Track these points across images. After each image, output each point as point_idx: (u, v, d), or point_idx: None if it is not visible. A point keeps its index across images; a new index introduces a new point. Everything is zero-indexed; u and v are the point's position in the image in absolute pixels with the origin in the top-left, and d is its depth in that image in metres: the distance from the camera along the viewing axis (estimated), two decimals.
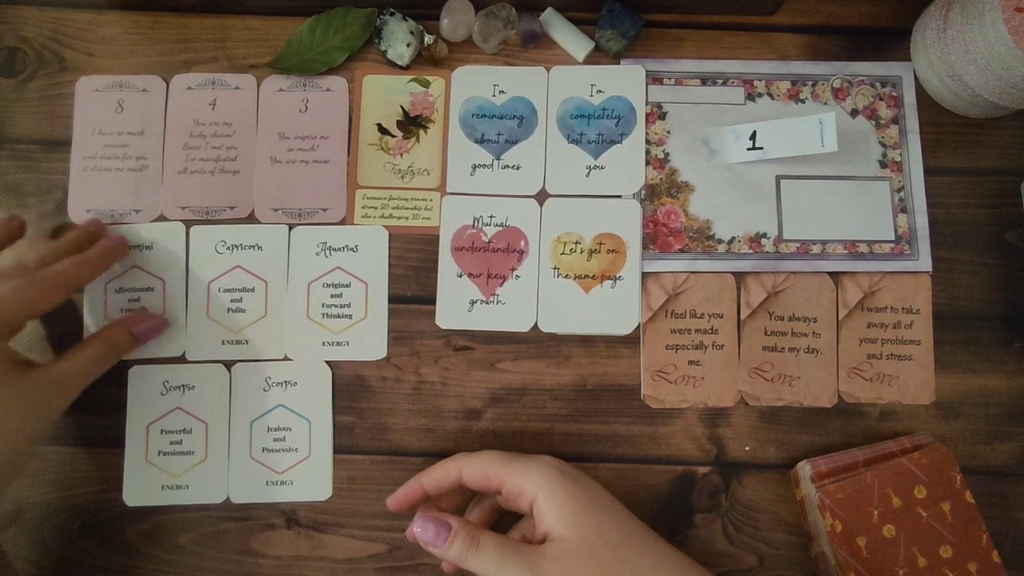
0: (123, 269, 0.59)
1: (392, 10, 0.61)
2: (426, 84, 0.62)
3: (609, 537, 0.46)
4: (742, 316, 0.60)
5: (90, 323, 0.58)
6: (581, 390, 0.59)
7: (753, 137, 0.60)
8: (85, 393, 0.58)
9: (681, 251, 0.60)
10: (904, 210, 0.61)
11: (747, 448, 0.58)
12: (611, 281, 0.60)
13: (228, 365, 0.58)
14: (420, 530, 0.47)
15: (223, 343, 0.59)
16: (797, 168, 0.61)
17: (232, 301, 0.59)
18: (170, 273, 0.59)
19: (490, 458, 0.50)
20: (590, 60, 0.62)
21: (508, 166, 0.61)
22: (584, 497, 0.47)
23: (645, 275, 0.60)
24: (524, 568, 0.44)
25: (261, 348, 0.59)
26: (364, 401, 0.58)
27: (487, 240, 0.60)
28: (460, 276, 0.60)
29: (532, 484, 0.47)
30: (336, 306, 0.59)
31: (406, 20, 0.61)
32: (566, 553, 0.45)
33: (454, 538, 0.46)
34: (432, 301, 0.59)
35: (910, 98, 0.62)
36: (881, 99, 0.62)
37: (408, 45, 0.60)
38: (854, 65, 0.62)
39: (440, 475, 0.51)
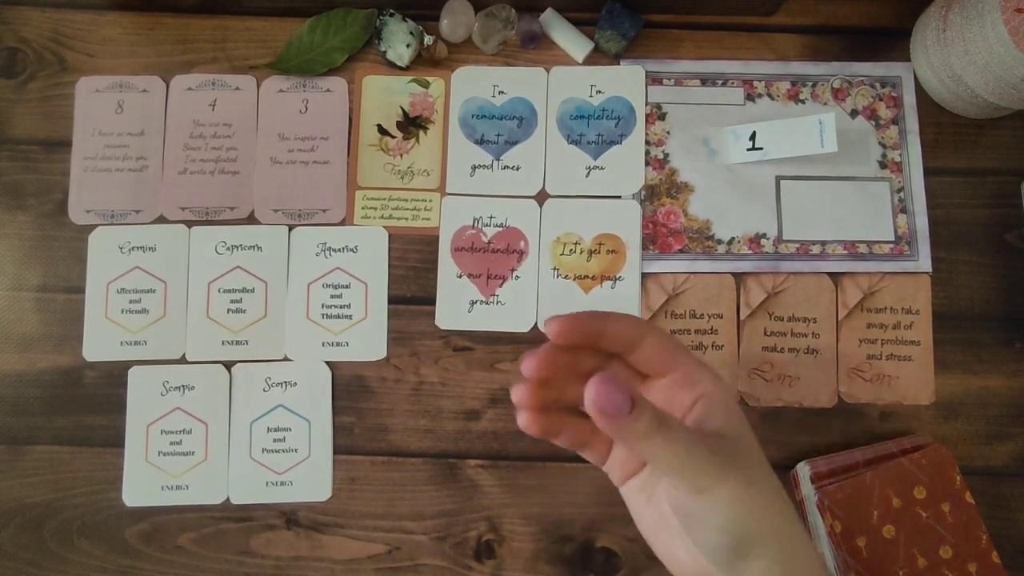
0: (126, 270, 0.59)
1: (392, 11, 0.61)
2: (426, 85, 0.62)
3: (755, 443, 0.42)
4: (742, 317, 0.60)
5: (90, 324, 0.58)
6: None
7: (753, 138, 0.60)
8: (86, 393, 0.58)
9: (681, 252, 0.60)
10: (904, 211, 0.61)
11: None
12: (611, 281, 0.60)
13: (228, 365, 0.58)
14: (605, 393, 0.36)
15: (223, 343, 0.59)
16: (797, 168, 0.61)
17: (232, 302, 0.59)
18: (172, 275, 0.59)
19: (673, 337, 0.44)
20: (590, 61, 0.62)
21: (508, 167, 0.61)
22: (739, 408, 0.43)
23: (645, 275, 0.60)
24: (714, 460, 0.38)
25: (261, 349, 0.59)
26: (364, 402, 0.59)
27: (487, 240, 0.60)
28: (460, 276, 0.60)
29: (712, 380, 0.42)
30: (336, 307, 0.59)
31: (406, 21, 0.61)
32: (746, 450, 0.40)
33: (643, 411, 0.36)
34: (432, 302, 0.59)
35: (910, 98, 0.62)
36: (881, 99, 0.62)
37: (408, 46, 0.60)
38: (854, 65, 0.62)
39: (628, 322, 0.42)
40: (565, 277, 0.60)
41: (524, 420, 0.40)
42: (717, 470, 0.37)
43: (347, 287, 0.59)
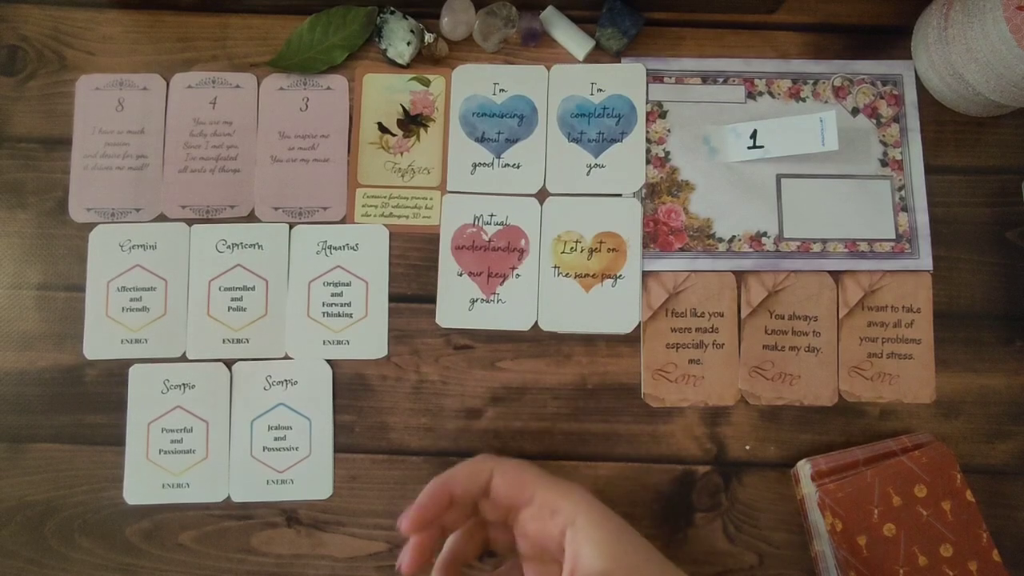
0: (126, 268, 0.59)
1: (392, 8, 0.61)
2: (426, 83, 0.62)
3: (644, 560, 0.41)
4: (742, 315, 0.60)
5: (91, 322, 0.58)
6: (581, 389, 0.59)
7: (754, 136, 0.60)
8: (86, 391, 0.58)
9: (681, 250, 0.60)
10: (905, 209, 0.61)
11: (747, 447, 0.58)
12: (611, 280, 0.60)
13: (229, 364, 0.58)
14: None
15: (224, 342, 0.59)
16: (798, 167, 0.61)
17: (232, 300, 0.59)
18: (172, 273, 0.59)
19: (525, 465, 0.44)
20: (590, 58, 0.62)
21: (508, 165, 0.61)
22: (619, 524, 0.42)
23: (645, 274, 0.60)
24: None
25: (261, 347, 0.59)
26: (364, 400, 0.59)
27: (487, 239, 0.60)
28: (460, 275, 0.60)
29: (572, 504, 0.41)
30: (336, 305, 0.59)
31: (406, 19, 0.61)
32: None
33: None
34: (432, 300, 0.59)
35: (911, 96, 0.62)
36: (882, 97, 0.62)
37: (408, 43, 0.60)
38: (855, 63, 0.62)
39: (468, 474, 0.43)
40: (566, 275, 0.60)
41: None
42: None
43: (348, 285, 0.59)
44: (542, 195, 0.61)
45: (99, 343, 0.58)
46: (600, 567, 0.38)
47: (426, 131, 0.61)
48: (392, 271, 0.60)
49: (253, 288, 0.59)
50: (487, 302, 0.59)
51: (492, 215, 0.60)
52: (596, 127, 0.61)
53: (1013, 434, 0.59)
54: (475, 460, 0.45)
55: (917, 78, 0.62)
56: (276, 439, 0.58)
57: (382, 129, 0.61)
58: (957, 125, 0.62)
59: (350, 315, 0.59)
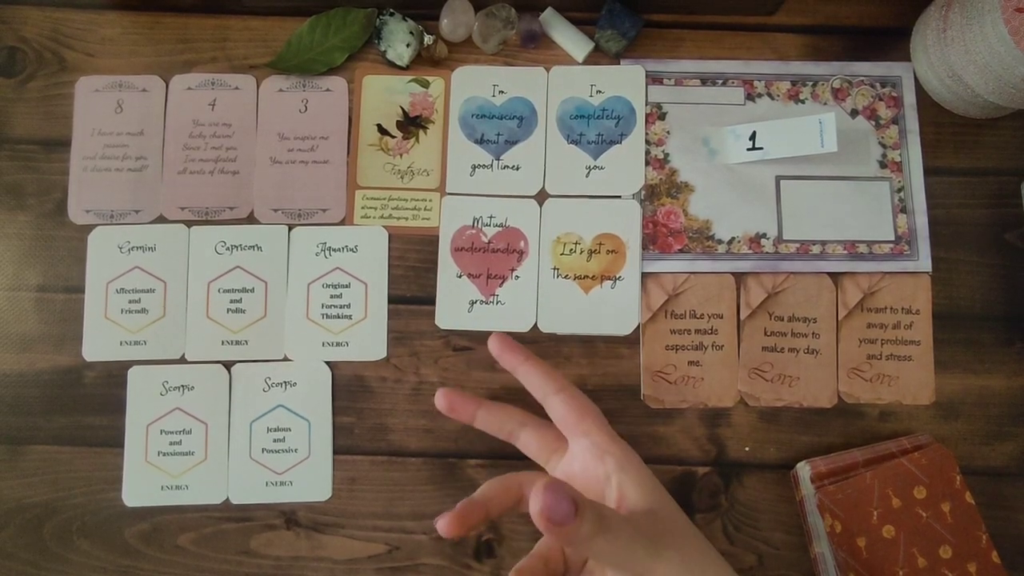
0: (125, 270, 0.59)
1: (392, 10, 0.61)
2: (426, 84, 0.62)
3: (680, 511, 0.46)
4: (742, 316, 0.60)
5: (90, 324, 0.58)
6: (581, 390, 0.59)
7: (753, 137, 0.60)
8: (85, 393, 0.58)
9: (681, 251, 0.60)
10: (904, 210, 0.61)
11: (747, 448, 0.58)
12: (611, 281, 0.60)
13: (228, 365, 0.58)
14: (552, 502, 0.37)
15: (223, 343, 0.59)
16: (797, 168, 0.61)
17: (232, 301, 0.59)
18: (172, 274, 0.59)
19: (591, 402, 0.50)
20: (590, 60, 0.62)
21: (508, 166, 0.61)
22: (657, 480, 0.47)
23: (645, 275, 0.60)
24: (648, 543, 0.40)
25: (261, 348, 0.59)
26: (364, 402, 0.58)
27: (487, 240, 0.60)
28: (460, 276, 0.60)
29: (624, 452, 0.46)
30: (336, 306, 0.59)
31: (406, 20, 0.61)
32: (671, 522, 0.44)
33: (585, 516, 0.37)
34: (432, 301, 0.59)
35: (910, 98, 0.62)
36: (881, 99, 0.62)
37: (408, 45, 0.60)
38: (854, 65, 0.62)
39: (541, 374, 0.50)
40: (565, 277, 0.60)
41: (443, 525, 0.44)
42: (652, 553, 0.40)
43: (347, 287, 0.59)
44: (541, 197, 0.61)
45: (98, 345, 0.58)
46: (646, 505, 0.44)
47: (425, 133, 0.61)
48: (391, 273, 0.60)
49: (252, 290, 0.59)
50: (486, 304, 0.59)
51: (491, 217, 0.60)
52: (595, 129, 0.61)
53: (1013, 436, 0.59)
54: (545, 375, 0.51)
55: (916, 80, 0.62)
56: (275, 441, 0.58)
57: (381, 131, 0.61)
58: (956, 127, 0.62)
59: (349, 317, 0.59)
